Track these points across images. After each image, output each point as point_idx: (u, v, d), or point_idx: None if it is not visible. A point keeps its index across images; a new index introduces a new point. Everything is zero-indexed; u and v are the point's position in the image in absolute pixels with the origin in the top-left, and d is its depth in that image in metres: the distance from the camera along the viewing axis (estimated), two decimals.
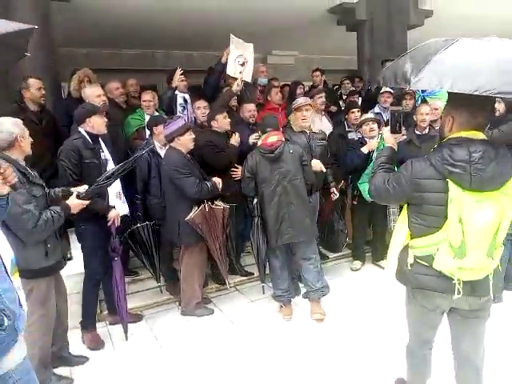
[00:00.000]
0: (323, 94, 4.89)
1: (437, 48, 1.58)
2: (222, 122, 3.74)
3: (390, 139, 1.96)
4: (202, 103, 4.05)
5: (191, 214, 3.22)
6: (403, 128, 2.04)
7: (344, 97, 5.77)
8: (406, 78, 1.59)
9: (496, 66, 1.45)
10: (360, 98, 5.43)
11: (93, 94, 3.56)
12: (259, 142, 3.32)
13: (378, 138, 3.93)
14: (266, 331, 3.25)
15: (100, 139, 3.06)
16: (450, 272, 1.65)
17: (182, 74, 4.36)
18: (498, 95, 1.43)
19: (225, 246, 3.46)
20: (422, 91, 4.65)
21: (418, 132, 4.11)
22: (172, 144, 3.35)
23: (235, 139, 3.75)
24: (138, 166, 3.51)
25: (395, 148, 1.96)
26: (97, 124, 2.94)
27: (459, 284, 1.64)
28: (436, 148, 1.70)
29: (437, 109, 4.20)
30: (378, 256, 4.50)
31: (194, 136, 3.37)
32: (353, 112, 4.49)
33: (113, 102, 4.40)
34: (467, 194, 1.56)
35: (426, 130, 4.08)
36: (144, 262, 3.56)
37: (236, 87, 4.10)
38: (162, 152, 3.54)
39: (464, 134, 1.63)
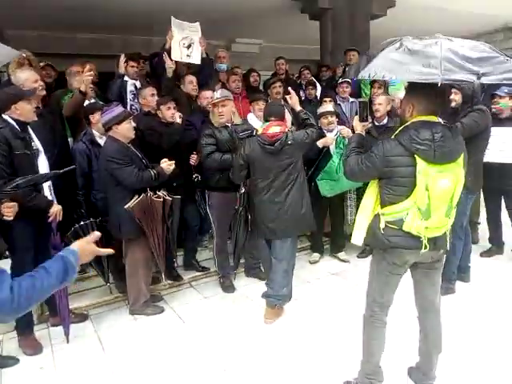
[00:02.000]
0: (279, 84, 4.76)
1: (384, 45, 1.90)
2: (164, 113, 3.59)
3: (359, 127, 2.31)
4: (149, 91, 3.82)
5: (130, 202, 3.03)
6: (370, 117, 2.40)
7: (303, 87, 5.63)
8: (357, 71, 1.94)
9: (435, 57, 1.75)
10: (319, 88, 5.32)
11: (29, 79, 3.25)
12: (259, 130, 3.12)
13: (336, 133, 3.86)
14: (218, 330, 3.13)
15: (29, 128, 2.81)
16: (417, 231, 1.96)
17: (128, 60, 4.10)
18: (442, 81, 1.71)
19: (164, 241, 3.27)
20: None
21: (376, 123, 4.07)
22: (110, 133, 3.15)
23: (168, 115, 3.56)
24: (77, 160, 3.28)
25: (363, 134, 2.30)
26: (25, 110, 2.69)
27: (426, 240, 1.98)
28: (402, 130, 1.99)
29: (394, 100, 4.17)
30: (336, 248, 4.47)
31: (134, 124, 3.19)
32: (326, 117, 4.08)
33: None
34: (431, 167, 1.90)
35: (384, 121, 4.04)
36: (90, 261, 3.33)
37: (170, 71, 3.96)
38: (102, 142, 3.32)
39: (423, 118, 1.96)
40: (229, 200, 3.52)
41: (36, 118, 2.82)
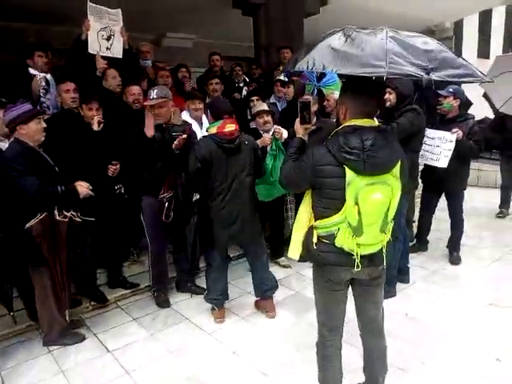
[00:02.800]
0: (216, 80, 4.49)
1: (326, 36, 1.70)
2: (85, 114, 3.21)
3: (300, 130, 2.04)
4: (68, 85, 3.34)
5: (30, 222, 2.59)
6: (313, 118, 2.15)
7: (236, 85, 5.38)
8: (295, 62, 1.74)
9: (380, 49, 1.53)
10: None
11: None
12: (212, 129, 2.91)
13: (271, 133, 3.65)
14: (147, 358, 2.78)
15: None
16: (349, 248, 1.80)
17: (35, 51, 3.58)
18: (388, 76, 1.48)
19: (69, 268, 2.84)
20: (318, 81, 4.47)
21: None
22: (15, 134, 2.69)
23: (88, 116, 3.19)
24: None
25: (305, 139, 2.04)
26: None
27: (358, 259, 1.80)
28: (333, 135, 1.80)
29: (329, 100, 4.05)
30: (276, 253, 4.27)
31: (44, 125, 2.75)
32: (261, 117, 3.85)
33: None
34: (361, 178, 1.71)
35: (313, 121, 3.89)
36: None
37: (101, 66, 3.51)
38: (4, 146, 2.83)
39: (357, 122, 1.77)
40: (161, 204, 3.21)
41: None
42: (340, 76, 4.77)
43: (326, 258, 1.87)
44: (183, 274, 3.67)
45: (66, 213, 2.72)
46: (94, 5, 3.62)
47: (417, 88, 4.06)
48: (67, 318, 2.99)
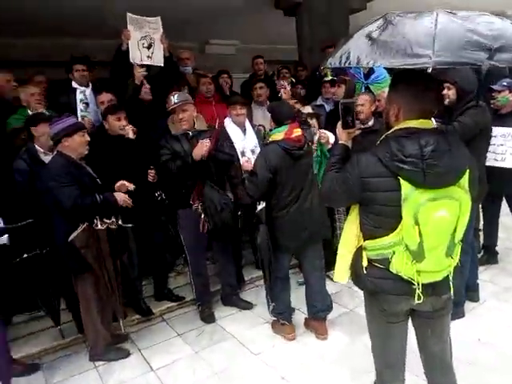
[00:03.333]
0: (260, 85, 4.34)
1: (364, 25, 1.47)
2: (112, 124, 3.10)
3: (343, 135, 1.78)
4: (104, 97, 3.33)
5: (73, 234, 2.54)
6: (357, 122, 1.85)
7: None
8: (346, 57, 1.43)
9: (427, 35, 1.28)
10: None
11: None
12: (276, 136, 2.74)
13: (316, 138, 3.43)
14: (191, 379, 2.65)
15: None
16: (408, 275, 1.52)
17: (74, 64, 3.61)
18: (436, 66, 1.23)
19: (117, 276, 2.77)
20: (366, 78, 4.18)
21: (360, 125, 3.65)
22: (58, 147, 2.68)
23: (117, 127, 3.08)
24: (16, 180, 2.83)
25: (349, 145, 1.79)
26: None
27: (419, 289, 1.52)
28: (382, 141, 1.55)
29: (380, 100, 3.75)
30: (326, 265, 3.99)
31: (87, 138, 2.72)
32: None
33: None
34: (421, 192, 1.43)
35: (370, 123, 3.62)
36: (38, 301, 2.83)
37: (139, 77, 3.46)
38: (47, 159, 2.83)
39: (412, 123, 1.49)
40: (198, 216, 3.10)
41: None
42: (390, 71, 4.45)
43: (378, 286, 1.60)
44: (228, 287, 3.52)
45: (106, 220, 2.67)
46: (133, 15, 3.59)
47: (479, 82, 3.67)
48: (122, 328, 2.98)
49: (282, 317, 3.00)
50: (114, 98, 3.39)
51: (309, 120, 3.54)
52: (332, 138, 3.36)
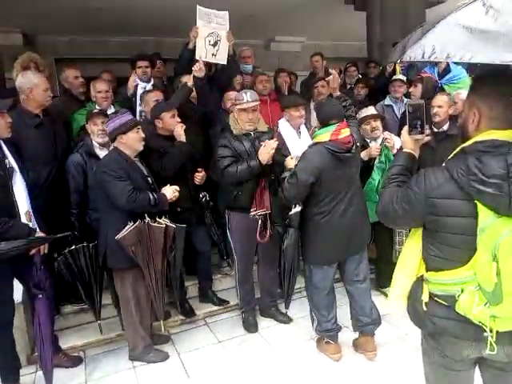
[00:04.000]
0: (321, 83, 4.10)
1: (451, 9, 1.18)
2: (167, 123, 3.00)
3: (409, 143, 1.52)
4: (156, 95, 3.30)
5: (123, 231, 2.49)
6: (427, 127, 1.55)
7: (348, 86, 4.90)
8: (402, 50, 1.26)
9: None
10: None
11: (41, 85, 2.91)
12: (322, 136, 2.51)
13: (382, 142, 3.13)
14: None
15: (2, 144, 2.39)
16: (478, 320, 1.25)
17: (137, 61, 3.63)
18: None
19: (164, 275, 2.70)
20: (440, 77, 3.77)
21: (433, 128, 3.29)
22: (115, 144, 2.69)
23: (178, 132, 2.98)
24: (71, 174, 2.87)
25: (415, 154, 1.52)
26: None
27: (493, 338, 1.24)
28: (458, 154, 1.28)
29: (457, 102, 3.35)
30: (382, 280, 3.68)
31: (142, 135, 2.70)
32: (368, 123, 3.34)
33: (69, 93, 3.75)
34: (504, 222, 1.15)
35: (445, 127, 3.25)
36: (82, 294, 2.85)
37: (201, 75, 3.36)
38: (102, 154, 2.86)
39: (498, 134, 1.21)
40: (251, 221, 2.92)
41: (8, 135, 2.42)
42: (471, 70, 3.98)
43: (440, 327, 1.34)
44: (268, 298, 3.33)
45: (159, 220, 2.62)
46: (203, 8, 3.52)
47: None
48: (163, 329, 2.93)
49: (326, 335, 2.76)
50: (162, 97, 3.34)
51: (372, 122, 3.24)
52: (398, 143, 3.04)
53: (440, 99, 3.27)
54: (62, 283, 3.22)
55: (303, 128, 3.34)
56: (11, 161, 2.40)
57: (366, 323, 2.73)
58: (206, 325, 3.33)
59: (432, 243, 1.34)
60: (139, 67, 3.67)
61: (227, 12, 3.68)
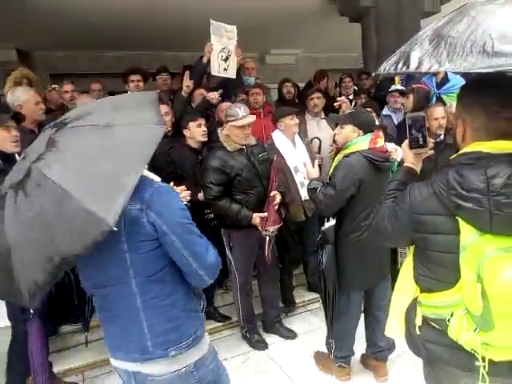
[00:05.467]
0: (319, 94, 4.09)
1: (446, 17, 1.16)
2: (194, 132, 3.02)
3: (409, 157, 1.45)
4: (162, 108, 3.25)
5: None
6: (429, 140, 1.47)
7: (344, 97, 4.89)
8: (395, 63, 1.18)
9: None
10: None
11: (30, 100, 2.88)
12: (359, 145, 2.37)
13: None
14: None
15: (17, 157, 2.34)
16: (471, 347, 1.15)
17: (129, 74, 3.65)
18: None
19: None
20: (438, 87, 3.76)
21: (431, 139, 3.26)
22: None
23: (200, 134, 3.04)
24: None
25: (416, 168, 1.44)
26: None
27: (485, 368, 1.13)
28: (443, 168, 1.21)
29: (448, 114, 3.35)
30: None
31: None
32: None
33: (65, 107, 3.72)
34: (487, 240, 1.08)
35: (442, 137, 3.23)
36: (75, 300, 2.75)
37: (187, 90, 3.44)
38: None
39: (483, 146, 1.14)
40: (253, 238, 2.88)
41: (15, 149, 2.35)
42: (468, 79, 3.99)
43: (433, 352, 1.26)
44: (273, 313, 3.25)
45: None
46: (216, 22, 3.52)
47: None
48: None
49: (344, 361, 2.62)
50: (170, 110, 3.32)
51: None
52: (401, 153, 3.00)
53: (438, 111, 3.24)
54: (60, 302, 3.15)
55: (297, 138, 3.32)
56: None
57: (383, 349, 2.60)
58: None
59: (422, 262, 1.27)
60: (132, 81, 3.65)
61: (235, 26, 3.70)
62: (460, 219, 1.13)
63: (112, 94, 4.25)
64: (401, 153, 2.97)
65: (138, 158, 1.19)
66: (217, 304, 3.55)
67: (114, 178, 1.14)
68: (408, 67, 1.10)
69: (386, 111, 4.22)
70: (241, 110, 2.77)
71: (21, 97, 2.87)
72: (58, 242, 1.11)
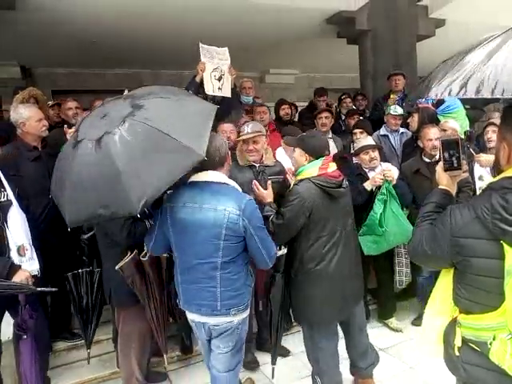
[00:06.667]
0: (328, 114, 4.17)
1: (473, 45, 1.18)
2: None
3: (443, 179, 1.46)
4: None
5: (122, 262, 2.41)
6: (464, 162, 1.47)
7: (343, 117, 4.98)
8: (427, 87, 1.20)
9: None
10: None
11: (32, 116, 2.92)
12: (309, 171, 2.29)
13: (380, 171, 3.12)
14: None
15: (2, 177, 2.37)
16: None
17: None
18: None
19: (164, 307, 2.57)
20: (435, 108, 3.85)
21: (425, 159, 3.33)
22: None
23: None
24: None
25: (451, 191, 1.45)
26: None
27: None
28: (485, 191, 1.23)
29: (446, 130, 3.42)
30: (384, 313, 3.61)
31: None
32: (366, 153, 3.28)
33: (67, 124, 3.77)
34: None
35: (437, 157, 3.28)
36: (77, 317, 2.75)
37: None
38: None
39: None
40: None
41: None
42: (463, 101, 4.08)
43: (473, 375, 1.24)
44: (266, 331, 3.20)
45: None
46: (204, 46, 3.61)
47: None
48: (166, 362, 2.69)
49: None
50: None
51: (371, 152, 3.26)
52: (396, 174, 3.05)
53: (436, 131, 3.31)
54: (55, 317, 3.14)
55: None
56: (9, 193, 2.36)
57: (364, 367, 2.55)
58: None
59: (461, 284, 1.28)
60: None
61: (227, 48, 3.79)
62: (505, 244, 1.12)
63: None
64: (396, 172, 3.04)
65: (206, 119, 1.88)
66: None
67: (195, 128, 1.81)
68: (466, 92, 1.07)
69: (383, 131, 4.28)
70: (248, 127, 2.84)
71: (23, 114, 2.92)
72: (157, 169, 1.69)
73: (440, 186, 1.46)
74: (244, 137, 2.81)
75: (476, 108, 4.23)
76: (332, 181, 2.28)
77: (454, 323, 1.30)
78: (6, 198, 2.34)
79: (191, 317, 2.10)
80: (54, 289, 2.36)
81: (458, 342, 1.27)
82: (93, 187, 1.70)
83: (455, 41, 6.01)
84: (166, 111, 1.84)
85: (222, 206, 1.89)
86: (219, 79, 3.67)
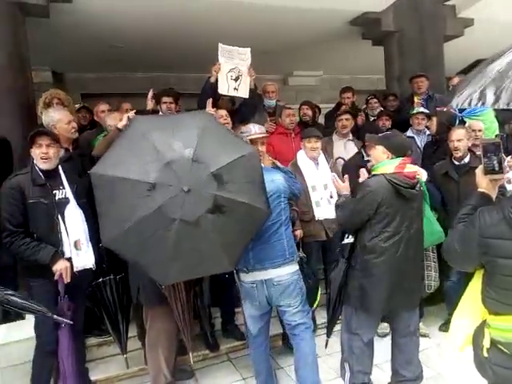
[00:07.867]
0: (348, 116, 4.14)
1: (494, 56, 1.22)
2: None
3: (483, 182, 1.47)
4: None
5: None
6: (506, 166, 1.48)
7: (371, 118, 4.93)
8: (478, 96, 1.20)
9: None
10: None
11: (62, 119, 3.02)
12: (385, 168, 2.38)
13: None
14: None
15: (61, 173, 2.53)
16: None
17: (162, 96, 3.78)
18: None
19: (190, 307, 2.64)
20: (460, 111, 3.78)
21: (455, 162, 3.28)
22: None
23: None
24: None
25: (491, 194, 1.46)
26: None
27: None
28: None
29: (475, 130, 3.40)
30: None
31: None
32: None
33: (99, 126, 3.90)
34: None
35: (466, 160, 3.24)
36: (108, 327, 2.84)
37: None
38: None
39: None
40: None
41: (47, 166, 2.51)
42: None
43: (501, 377, 1.25)
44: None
45: None
46: (224, 46, 3.66)
47: None
48: (191, 361, 2.79)
49: None
50: None
51: None
52: (425, 176, 3.01)
53: (458, 133, 3.27)
54: (86, 315, 3.24)
55: (322, 159, 3.37)
56: (67, 192, 2.53)
57: (409, 379, 2.49)
58: (229, 360, 3.25)
59: (489, 285, 1.29)
60: (164, 102, 3.78)
61: (249, 48, 3.83)
62: None
63: (141, 113, 4.43)
64: (424, 174, 3.01)
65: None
66: (238, 322, 3.57)
67: (257, 189, 2.22)
68: (484, 103, 1.12)
69: (409, 133, 4.24)
70: (255, 127, 2.82)
71: (54, 117, 3.01)
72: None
73: (479, 189, 1.46)
74: (253, 136, 2.73)
75: (506, 110, 4.15)
76: (405, 180, 2.32)
77: (482, 325, 1.31)
78: (63, 196, 2.52)
79: (259, 276, 2.41)
80: (70, 322, 2.43)
81: (486, 344, 1.28)
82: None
83: (483, 40, 5.92)
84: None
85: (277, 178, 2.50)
86: (236, 79, 3.72)
